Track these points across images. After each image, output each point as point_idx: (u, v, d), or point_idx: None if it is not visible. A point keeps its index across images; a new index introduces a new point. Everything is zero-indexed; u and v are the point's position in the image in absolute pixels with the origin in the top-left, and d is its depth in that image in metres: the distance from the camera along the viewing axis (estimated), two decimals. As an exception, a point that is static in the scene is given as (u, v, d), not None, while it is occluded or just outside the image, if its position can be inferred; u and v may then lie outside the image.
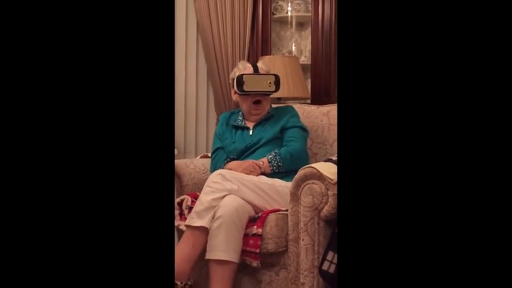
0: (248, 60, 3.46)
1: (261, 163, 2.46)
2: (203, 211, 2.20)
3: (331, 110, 2.87)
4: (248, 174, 2.38)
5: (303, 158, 2.53)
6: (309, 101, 3.45)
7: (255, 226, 2.21)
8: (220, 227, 2.15)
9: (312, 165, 2.18)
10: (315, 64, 3.47)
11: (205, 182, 2.32)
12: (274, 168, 2.46)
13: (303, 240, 2.13)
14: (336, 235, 2.09)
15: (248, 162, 2.46)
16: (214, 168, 2.57)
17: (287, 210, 2.22)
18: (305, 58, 3.64)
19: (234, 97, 2.72)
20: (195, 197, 2.40)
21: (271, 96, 2.71)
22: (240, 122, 2.70)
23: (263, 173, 2.45)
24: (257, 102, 2.63)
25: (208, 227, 2.17)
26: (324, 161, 2.32)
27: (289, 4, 3.64)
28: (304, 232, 2.12)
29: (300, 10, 3.62)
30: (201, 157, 2.91)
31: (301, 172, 2.16)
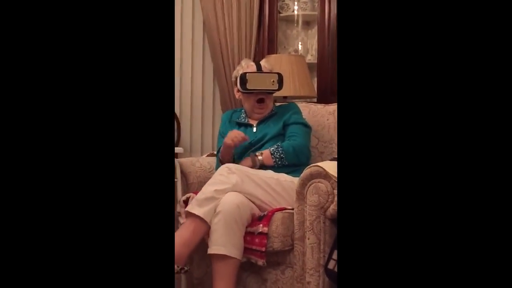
0: (255, 59, 3.47)
1: (260, 153, 2.48)
2: (204, 200, 2.20)
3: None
4: (231, 142, 2.44)
5: (305, 153, 2.54)
6: (315, 99, 3.45)
7: (261, 225, 2.21)
8: (219, 222, 2.16)
9: (318, 163, 2.18)
10: (321, 63, 3.46)
11: (211, 180, 2.33)
12: (277, 160, 2.47)
13: (309, 239, 2.12)
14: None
15: (232, 132, 2.49)
16: (218, 166, 2.58)
17: (293, 209, 2.22)
18: (311, 57, 3.64)
19: (237, 95, 2.73)
20: (201, 196, 2.41)
21: (277, 94, 2.70)
22: (243, 120, 2.71)
23: (262, 166, 2.46)
24: (261, 101, 2.63)
25: (205, 218, 2.18)
26: (330, 160, 2.32)
27: (296, 2, 3.64)
28: (310, 231, 2.12)
29: (306, 9, 3.62)
30: (207, 156, 2.91)
31: (307, 171, 2.16)
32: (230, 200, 2.19)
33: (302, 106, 2.84)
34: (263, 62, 2.70)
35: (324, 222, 2.12)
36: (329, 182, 2.10)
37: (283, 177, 2.40)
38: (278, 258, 2.24)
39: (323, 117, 2.87)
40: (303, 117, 2.71)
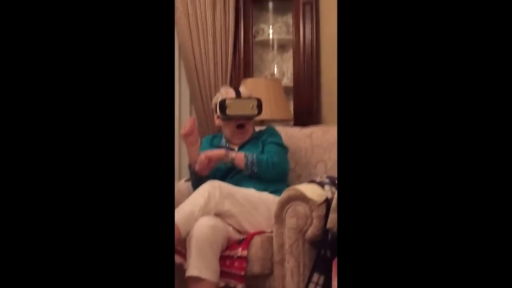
0: (231, 83, 3.48)
1: (235, 152, 2.54)
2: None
3: (314, 131, 2.89)
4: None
5: (277, 170, 2.55)
6: (292, 122, 3.47)
7: (240, 248, 2.20)
8: (192, 246, 2.15)
9: (296, 186, 2.19)
10: (297, 86, 3.49)
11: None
12: (248, 164, 2.49)
13: (288, 262, 2.12)
14: (321, 257, 2.09)
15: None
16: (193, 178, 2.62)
17: (271, 232, 2.22)
18: (287, 80, 3.66)
19: (217, 122, 2.73)
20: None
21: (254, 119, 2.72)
22: (224, 144, 2.71)
23: (232, 166, 2.53)
24: (241, 126, 2.65)
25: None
26: (308, 183, 2.33)
27: (271, 26, 3.68)
28: (289, 254, 2.12)
29: (281, 33, 3.65)
30: (185, 181, 2.90)
31: (284, 194, 2.16)
32: (204, 223, 2.18)
33: (279, 129, 2.85)
34: (242, 88, 2.73)
35: (303, 245, 2.13)
36: (307, 204, 2.11)
37: (266, 195, 2.41)
38: (258, 282, 2.24)
39: (300, 140, 2.89)
40: (281, 139, 2.73)
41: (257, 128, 2.82)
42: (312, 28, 3.44)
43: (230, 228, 2.28)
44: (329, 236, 2.07)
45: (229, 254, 2.22)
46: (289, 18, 3.63)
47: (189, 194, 2.68)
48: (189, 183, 2.76)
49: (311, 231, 2.10)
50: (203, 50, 3.52)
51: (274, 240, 2.18)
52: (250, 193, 2.38)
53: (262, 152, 2.61)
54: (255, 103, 2.61)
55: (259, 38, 3.69)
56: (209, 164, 2.50)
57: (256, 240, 2.22)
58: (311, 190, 2.15)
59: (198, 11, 3.50)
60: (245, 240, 2.23)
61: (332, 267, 1.97)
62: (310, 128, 2.95)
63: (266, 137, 2.66)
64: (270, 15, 3.71)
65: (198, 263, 2.13)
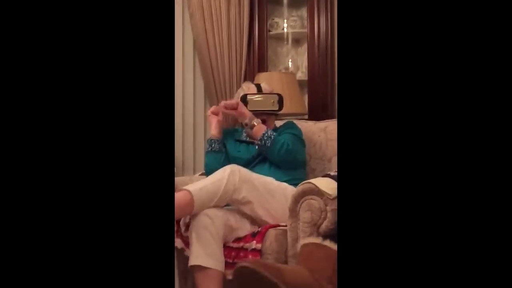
0: (246, 77, 3.50)
1: (258, 121, 2.56)
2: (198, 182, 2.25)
3: (329, 125, 2.89)
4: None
5: (289, 157, 2.54)
6: (306, 116, 3.47)
7: (255, 241, 2.21)
8: (192, 234, 2.17)
9: (310, 180, 2.20)
10: (312, 80, 3.49)
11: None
12: (264, 137, 2.51)
13: (302, 255, 2.13)
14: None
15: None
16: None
17: (286, 225, 2.23)
18: (302, 74, 3.67)
19: None
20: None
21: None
22: (245, 138, 2.73)
23: (249, 133, 2.54)
24: (262, 122, 2.66)
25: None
26: (322, 177, 2.33)
27: (285, 20, 3.68)
28: (303, 247, 2.13)
29: (296, 27, 3.66)
30: (200, 175, 2.92)
31: (299, 188, 2.17)
32: (203, 212, 2.19)
33: (293, 123, 2.86)
34: (263, 84, 2.76)
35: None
36: (321, 198, 2.12)
37: (285, 185, 2.43)
38: (272, 275, 2.25)
39: (314, 134, 2.89)
40: (301, 132, 2.73)
41: (278, 124, 2.84)
42: (326, 21, 3.44)
43: (229, 217, 2.27)
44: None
45: (243, 246, 2.23)
46: (303, 12, 3.63)
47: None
48: (203, 177, 2.78)
49: (325, 225, 2.11)
50: (217, 44, 3.53)
51: (288, 234, 2.19)
52: (268, 180, 2.39)
53: None
54: (276, 98, 2.64)
55: (274, 31, 3.69)
56: (237, 111, 2.56)
57: (271, 233, 2.23)
58: (325, 184, 2.15)
59: (213, 5, 3.51)
60: (260, 233, 2.24)
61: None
62: (325, 122, 2.95)
63: (284, 129, 2.68)
64: (285, 9, 3.71)
65: (200, 252, 2.14)
